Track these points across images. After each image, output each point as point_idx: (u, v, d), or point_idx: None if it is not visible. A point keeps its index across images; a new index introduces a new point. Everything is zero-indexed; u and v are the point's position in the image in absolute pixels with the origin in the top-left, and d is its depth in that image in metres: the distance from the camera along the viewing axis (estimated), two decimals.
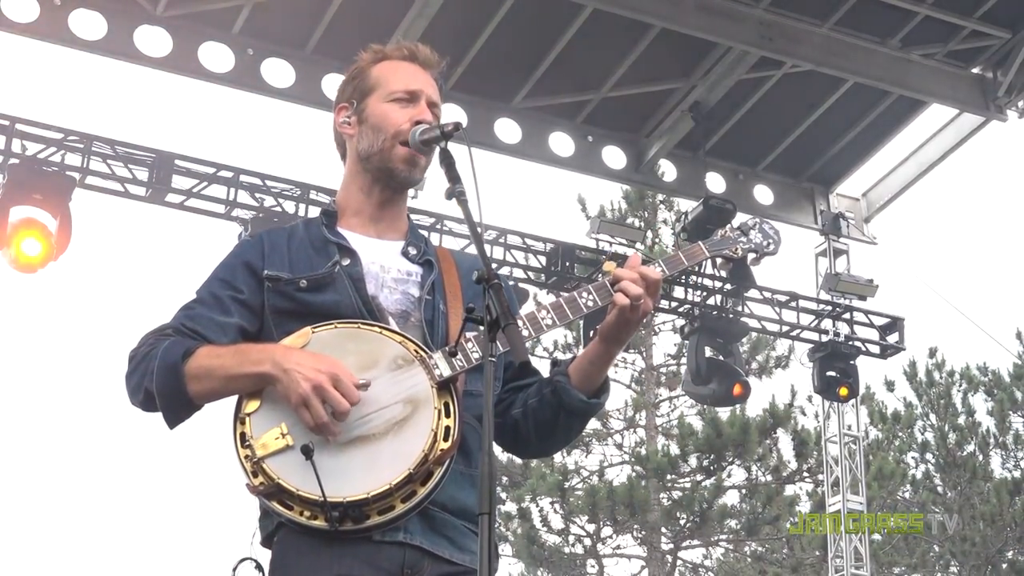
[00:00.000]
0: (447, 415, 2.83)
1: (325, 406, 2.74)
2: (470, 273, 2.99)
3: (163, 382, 2.85)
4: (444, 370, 2.86)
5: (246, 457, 2.79)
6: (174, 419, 2.91)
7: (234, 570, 2.57)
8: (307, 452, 2.71)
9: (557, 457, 21.79)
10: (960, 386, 23.71)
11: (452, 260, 3.14)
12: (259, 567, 2.66)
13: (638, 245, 11.84)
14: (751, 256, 3.28)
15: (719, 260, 3.27)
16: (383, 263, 3.05)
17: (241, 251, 3.10)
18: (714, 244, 3.25)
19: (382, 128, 3.07)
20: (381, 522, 2.75)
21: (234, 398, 2.88)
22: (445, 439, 2.80)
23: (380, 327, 2.90)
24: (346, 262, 3.00)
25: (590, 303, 3.00)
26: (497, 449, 2.91)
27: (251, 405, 2.83)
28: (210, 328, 2.93)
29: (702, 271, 11.09)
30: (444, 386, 2.85)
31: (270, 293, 2.98)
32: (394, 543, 2.79)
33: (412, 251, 3.10)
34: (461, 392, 2.89)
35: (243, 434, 2.81)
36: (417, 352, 2.87)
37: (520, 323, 2.94)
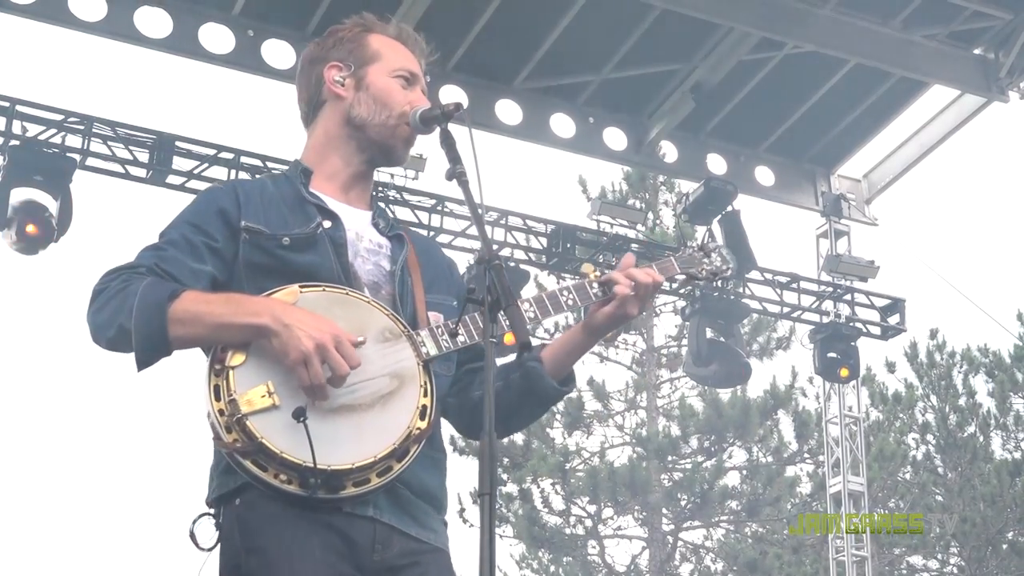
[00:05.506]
0: (425, 395, 2.81)
1: (324, 367, 2.68)
2: (425, 252, 3.07)
3: (144, 320, 2.71)
4: (431, 349, 2.84)
5: (221, 411, 2.67)
6: (145, 361, 2.76)
7: (194, 523, 2.51)
8: (300, 415, 2.62)
9: (558, 438, 21.82)
10: (961, 367, 23.65)
11: (409, 237, 3.11)
12: (219, 524, 2.58)
13: (639, 227, 11.83)
14: (710, 277, 3.35)
15: (681, 278, 3.32)
16: (358, 231, 3.01)
17: (214, 197, 2.98)
18: (683, 261, 3.29)
19: (388, 104, 3.05)
20: (355, 493, 2.71)
21: (197, 350, 2.77)
22: (422, 418, 2.79)
23: (367, 298, 2.87)
24: (328, 225, 2.95)
25: (570, 302, 3.05)
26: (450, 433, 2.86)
27: (236, 359, 2.70)
28: (184, 273, 2.82)
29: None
30: (426, 365, 2.84)
31: (246, 245, 2.89)
32: (365, 518, 2.76)
33: (381, 223, 3.08)
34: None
35: (217, 387, 2.70)
36: (404, 328, 2.85)
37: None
